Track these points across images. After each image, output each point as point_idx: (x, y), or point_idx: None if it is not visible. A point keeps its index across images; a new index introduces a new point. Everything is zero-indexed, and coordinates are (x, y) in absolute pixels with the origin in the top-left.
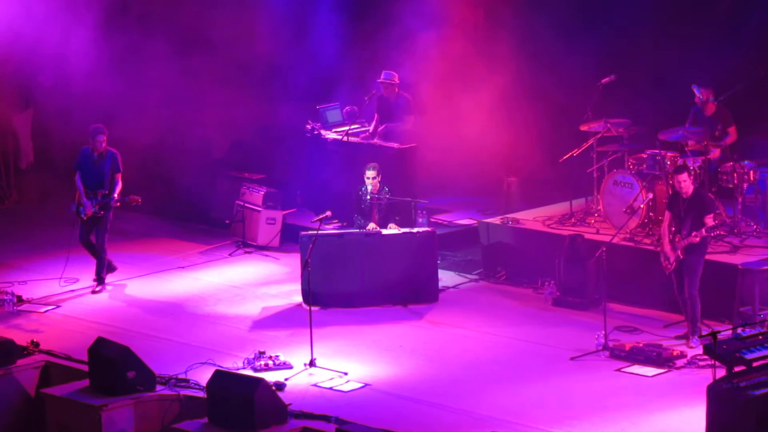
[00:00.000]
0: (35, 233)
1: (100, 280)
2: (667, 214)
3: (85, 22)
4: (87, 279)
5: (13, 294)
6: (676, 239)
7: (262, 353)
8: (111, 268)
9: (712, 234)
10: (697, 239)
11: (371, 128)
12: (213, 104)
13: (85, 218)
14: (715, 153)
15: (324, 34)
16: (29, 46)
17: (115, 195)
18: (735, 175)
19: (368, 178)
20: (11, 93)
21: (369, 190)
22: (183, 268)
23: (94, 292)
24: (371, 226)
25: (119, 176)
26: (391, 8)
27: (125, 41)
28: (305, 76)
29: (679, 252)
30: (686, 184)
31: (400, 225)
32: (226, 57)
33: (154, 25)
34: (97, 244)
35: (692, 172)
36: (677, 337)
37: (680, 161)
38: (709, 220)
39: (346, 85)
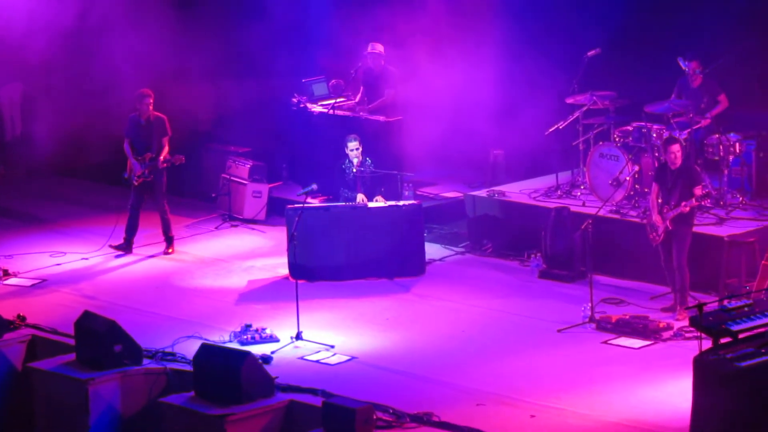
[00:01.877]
0: (21, 207)
1: (168, 239)
2: (654, 186)
3: None
4: (74, 253)
5: None
6: (664, 210)
7: (248, 326)
8: (127, 248)
9: (702, 203)
10: (687, 209)
11: (357, 98)
12: (198, 77)
13: (136, 183)
14: (703, 123)
15: (309, 6)
16: (21, 20)
17: (161, 157)
18: (721, 147)
19: (351, 150)
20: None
21: (353, 163)
22: None
23: (166, 253)
24: (360, 197)
25: (166, 140)
26: None
27: (111, 14)
28: (291, 48)
29: (667, 223)
30: (678, 155)
31: (386, 198)
32: (211, 30)
33: None
34: (158, 206)
35: (682, 144)
36: (664, 309)
37: (666, 134)
38: (698, 191)
39: (332, 58)
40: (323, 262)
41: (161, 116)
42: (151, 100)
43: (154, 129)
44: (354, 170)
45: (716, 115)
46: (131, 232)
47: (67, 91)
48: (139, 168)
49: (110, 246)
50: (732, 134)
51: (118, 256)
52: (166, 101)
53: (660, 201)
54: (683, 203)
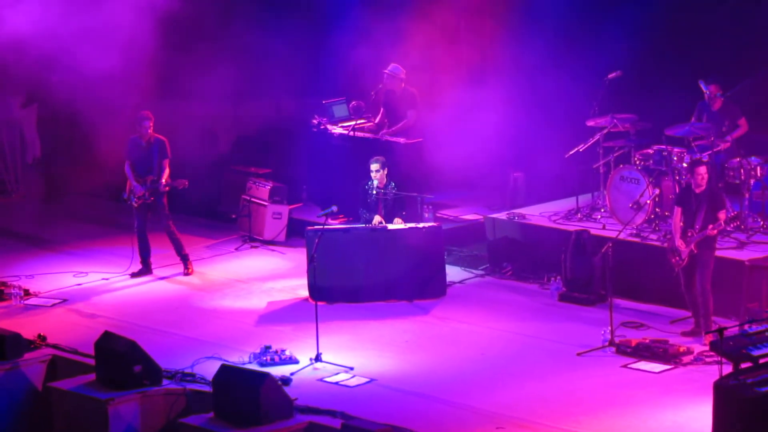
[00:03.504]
0: (42, 228)
1: (184, 259)
2: (677, 210)
3: (93, 19)
4: (96, 273)
5: (20, 288)
6: (689, 234)
7: (267, 348)
8: (146, 271)
9: (729, 227)
10: (715, 232)
11: (377, 120)
12: (219, 98)
13: (135, 205)
14: (723, 146)
15: (331, 28)
16: (40, 41)
17: (163, 180)
18: (742, 171)
19: (373, 171)
20: (18, 87)
21: (375, 185)
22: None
23: (186, 273)
24: (377, 219)
25: (166, 162)
26: (399, 3)
27: (131, 35)
28: (312, 70)
29: (692, 246)
30: (705, 177)
31: (407, 220)
32: (231, 51)
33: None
34: (165, 227)
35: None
36: (684, 333)
37: (687, 157)
38: (723, 215)
39: (352, 80)
40: (343, 284)
41: (162, 138)
42: (151, 123)
43: (155, 151)
44: (374, 192)
45: (737, 139)
46: (145, 253)
47: (86, 109)
48: (139, 189)
49: (131, 275)
50: (753, 158)
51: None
52: (188, 122)
53: (682, 224)
54: (710, 226)
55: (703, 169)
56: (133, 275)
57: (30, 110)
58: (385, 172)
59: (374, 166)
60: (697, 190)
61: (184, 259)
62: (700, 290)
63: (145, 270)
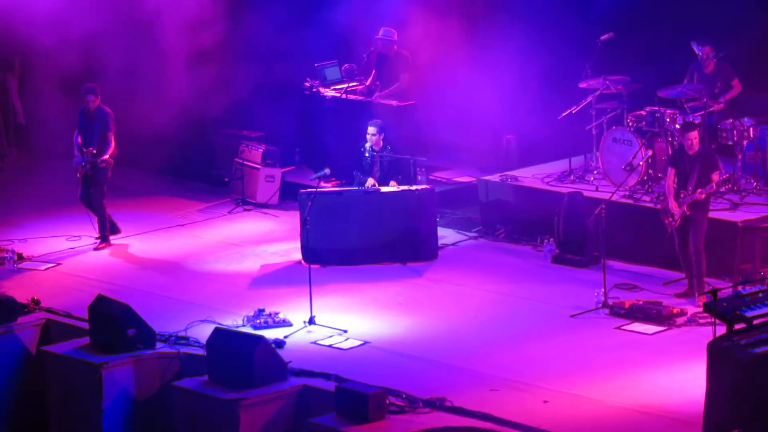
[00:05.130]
0: (35, 191)
1: (102, 237)
2: (670, 171)
3: None
4: (89, 236)
5: (13, 251)
6: (681, 195)
7: (261, 311)
8: (114, 230)
9: (722, 189)
10: (703, 196)
11: (368, 83)
12: (210, 61)
13: (79, 175)
14: (717, 107)
15: None
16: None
17: (106, 156)
18: (735, 132)
19: (369, 134)
20: (5, 52)
21: (368, 147)
22: (182, 225)
23: (96, 249)
24: (370, 182)
25: (111, 135)
26: None
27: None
28: (304, 33)
29: (684, 208)
30: (695, 141)
31: (400, 183)
32: (223, 13)
33: None
34: (95, 203)
35: (701, 130)
36: (677, 295)
37: (679, 119)
38: (716, 177)
39: (344, 42)
40: (336, 247)
41: (106, 110)
42: (94, 97)
43: (97, 123)
44: (367, 155)
45: (730, 100)
46: (101, 225)
47: (82, 73)
48: (78, 160)
49: (95, 249)
50: (746, 119)
51: (102, 248)
52: (179, 86)
53: (676, 186)
54: (699, 190)
55: (693, 134)
56: (98, 249)
57: (12, 75)
58: (382, 136)
59: (371, 129)
60: (690, 152)
61: (103, 238)
62: (693, 251)
63: (106, 238)
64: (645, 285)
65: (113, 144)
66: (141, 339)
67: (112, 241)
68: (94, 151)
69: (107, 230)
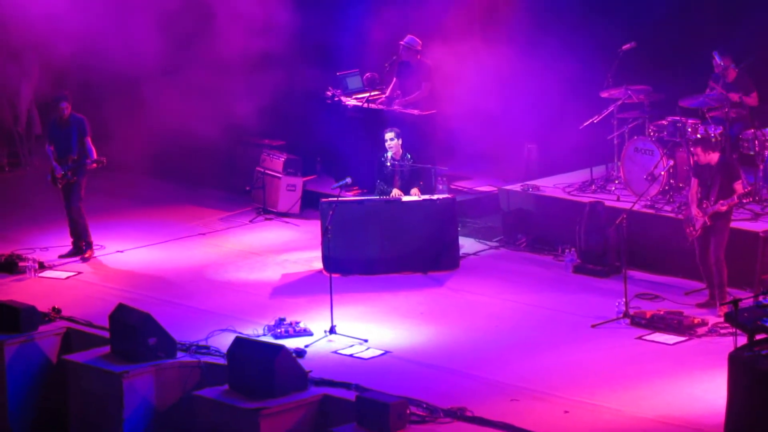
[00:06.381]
0: (56, 200)
1: (87, 245)
2: (694, 181)
3: None
4: (111, 245)
5: (35, 260)
6: (704, 205)
7: (282, 320)
8: (79, 251)
9: (744, 201)
10: (725, 207)
11: (387, 92)
12: (233, 71)
13: (60, 186)
14: (740, 112)
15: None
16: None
17: (89, 160)
18: (756, 142)
19: (387, 140)
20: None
21: (390, 156)
22: (203, 234)
23: (83, 258)
24: (395, 192)
25: (88, 140)
26: None
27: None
28: (326, 41)
29: (706, 218)
30: (703, 157)
31: (422, 192)
32: (245, 24)
33: None
34: (73, 210)
35: (717, 139)
36: (698, 305)
37: (701, 129)
38: (739, 187)
39: (366, 51)
40: (357, 256)
41: (80, 117)
42: (67, 103)
43: (74, 130)
44: (389, 164)
45: (751, 109)
46: (84, 232)
47: (100, 82)
48: (59, 170)
49: (82, 259)
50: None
51: (89, 257)
52: (201, 95)
53: (699, 196)
54: (721, 202)
55: (698, 149)
56: (61, 256)
57: (29, 85)
58: (400, 142)
59: (388, 135)
60: (711, 163)
61: (87, 245)
62: (714, 261)
63: (75, 250)
64: (666, 295)
65: (93, 148)
66: (162, 348)
67: (134, 248)
68: (75, 157)
69: (89, 236)
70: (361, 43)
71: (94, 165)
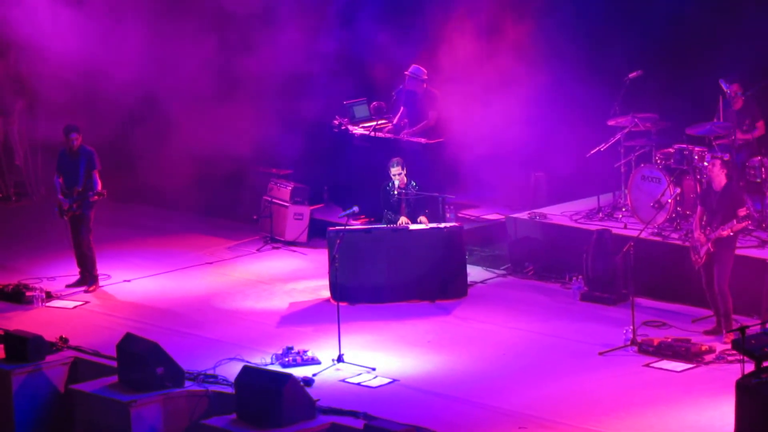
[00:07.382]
0: (64, 229)
1: (93, 279)
2: (699, 209)
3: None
4: (118, 275)
5: (41, 290)
6: (707, 231)
7: (290, 349)
8: (82, 281)
9: (743, 224)
10: (726, 232)
11: (395, 120)
12: (240, 100)
13: (66, 218)
14: (746, 137)
15: (353, 30)
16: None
17: (91, 192)
18: (763, 169)
19: (395, 174)
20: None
21: (396, 185)
22: (211, 263)
23: (87, 290)
24: (403, 220)
25: (96, 173)
26: (420, 6)
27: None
28: (333, 71)
29: (709, 245)
30: (718, 175)
31: (429, 220)
32: (253, 52)
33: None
34: (83, 244)
35: (727, 165)
36: (706, 332)
37: (708, 156)
38: (742, 213)
39: (373, 80)
40: (365, 285)
41: (90, 149)
42: (77, 135)
43: (82, 162)
44: (395, 192)
45: (757, 138)
46: (91, 265)
47: (108, 112)
48: (66, 203)
49: (86, 291)
50: None
51: (93, 290)
52: (208, 123)
53: (703, 222)
54: (722, 227)
55: (716, 163)
56: (68, 285)
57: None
58: (405, 171)
59: (395, 169)
60: (716, 188)
61: (93, 279)
62: (718, 289)
63: (82, 280)
64: (674, 322)
65: (99, 181)
66: (169, 377)
67: (141, 277)
68: (80, 189)
69: (96, 270)
70: (369, 72)
71: (95, 198)
